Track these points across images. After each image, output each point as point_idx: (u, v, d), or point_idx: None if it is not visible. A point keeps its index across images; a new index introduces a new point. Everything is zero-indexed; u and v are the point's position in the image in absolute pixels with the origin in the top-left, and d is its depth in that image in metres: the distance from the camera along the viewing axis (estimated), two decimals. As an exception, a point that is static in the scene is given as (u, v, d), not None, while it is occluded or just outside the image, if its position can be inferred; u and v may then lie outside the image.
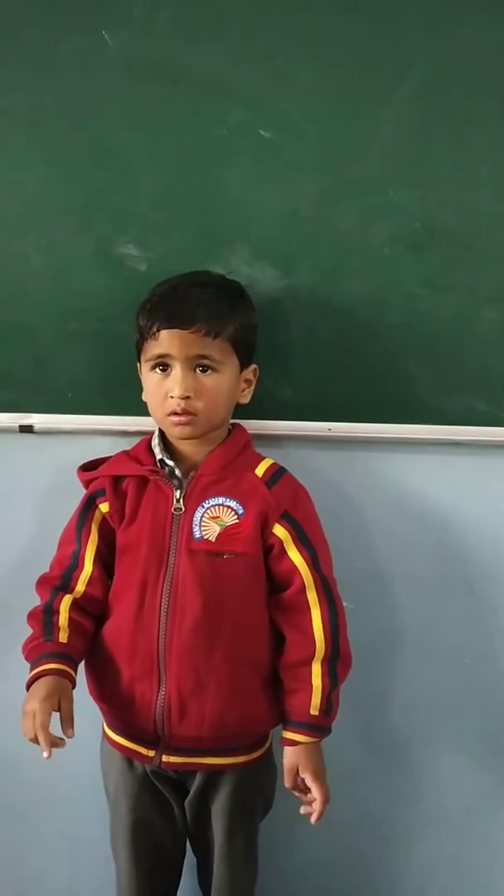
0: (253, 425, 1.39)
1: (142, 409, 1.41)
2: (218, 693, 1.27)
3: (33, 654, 1.27)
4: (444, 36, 1.35)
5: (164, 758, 1.30)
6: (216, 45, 1.36)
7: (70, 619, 1.29)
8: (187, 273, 1.33)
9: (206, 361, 1.26)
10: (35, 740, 1.18)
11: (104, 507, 1.33)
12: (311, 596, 1.28)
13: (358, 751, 1.49)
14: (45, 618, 1.29)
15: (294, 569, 1.29)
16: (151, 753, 1.31)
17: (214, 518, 1.28)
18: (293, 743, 1.27)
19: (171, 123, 1.38)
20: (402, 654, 1.51)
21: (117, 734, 1.35)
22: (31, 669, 1.25)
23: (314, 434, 1.43)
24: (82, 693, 1.30)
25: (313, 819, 1.25)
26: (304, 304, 1.37)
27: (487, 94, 1.36)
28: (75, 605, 1.31)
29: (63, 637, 1.27)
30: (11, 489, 1.50)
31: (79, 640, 1.29)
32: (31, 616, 1.32)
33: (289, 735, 1.28)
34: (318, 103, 1.37)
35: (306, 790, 1.27)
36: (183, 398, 1.25)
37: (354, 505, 1.46)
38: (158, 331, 1.26)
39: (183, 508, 1.29)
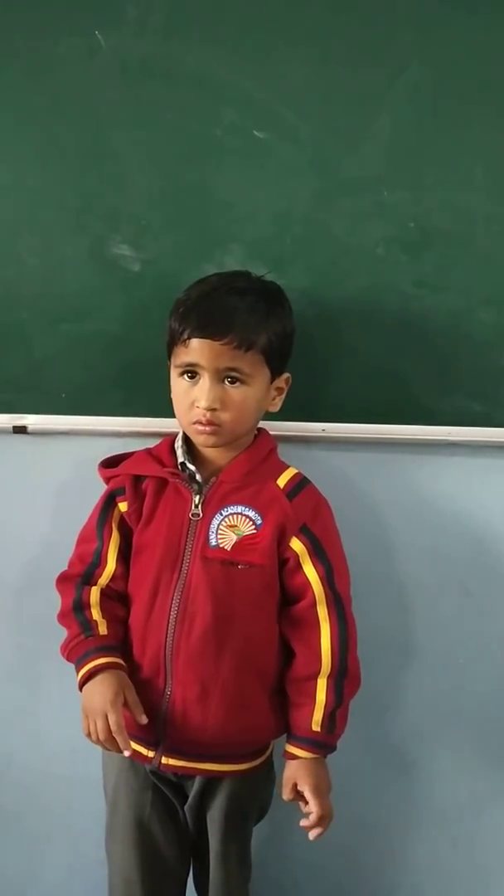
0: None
1: (136, 410, 1.41)
2: (222, 701, 1.26)
3: (76, 652, 1.27)
4: (439, 36, 1.35)
5: (164, 759, 1.29)
6: (210, 46, 1.36)
7: (103, 610, 1.29)
8: (225, 275, 1.31)
9: (235, 374, 1.24)
10: (103, 742, 1.22)
11: (123, 506, 1.32)
12: (322, 611, 1.27)
13: (352, 752, 1.48)
14: (77, 615, 1.29)
15: (307, 583, 1.27)
16: (151, 754, 1.30)
17: (232, 527, 1.27)
18: (293, 757, 1.27)
19: (164, 124, 1.37)
20: (396, 655, 1.51)
21: None
22: (78, 667, 1.25)
23: (308, 435, 1.42)
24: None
25: (312, 836, 1.25)
26: (297, 304, 1.36)
27: (481, 94, 1.36)
28: (104, 595, 1.31)
29: (102, 629, 1.28)
30: (5, 490, 1.49)
31: (117, 628, 1.30)
32: (63, 615, 1.31)
33: (290, 749, 1.27)
34: (312, 104, 1.36)
35: (307, 802, 1.25)
36: (209, 409, 1.24)
37: (348, 506, 1.45)
38: (189, 338, 1.23)
39: (201, 514, 1.27)
